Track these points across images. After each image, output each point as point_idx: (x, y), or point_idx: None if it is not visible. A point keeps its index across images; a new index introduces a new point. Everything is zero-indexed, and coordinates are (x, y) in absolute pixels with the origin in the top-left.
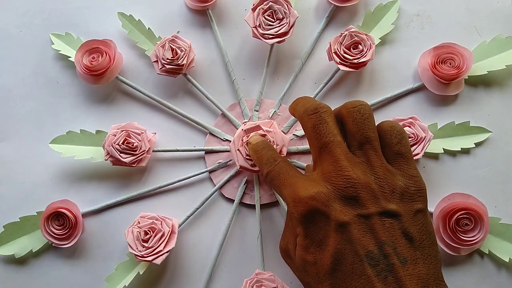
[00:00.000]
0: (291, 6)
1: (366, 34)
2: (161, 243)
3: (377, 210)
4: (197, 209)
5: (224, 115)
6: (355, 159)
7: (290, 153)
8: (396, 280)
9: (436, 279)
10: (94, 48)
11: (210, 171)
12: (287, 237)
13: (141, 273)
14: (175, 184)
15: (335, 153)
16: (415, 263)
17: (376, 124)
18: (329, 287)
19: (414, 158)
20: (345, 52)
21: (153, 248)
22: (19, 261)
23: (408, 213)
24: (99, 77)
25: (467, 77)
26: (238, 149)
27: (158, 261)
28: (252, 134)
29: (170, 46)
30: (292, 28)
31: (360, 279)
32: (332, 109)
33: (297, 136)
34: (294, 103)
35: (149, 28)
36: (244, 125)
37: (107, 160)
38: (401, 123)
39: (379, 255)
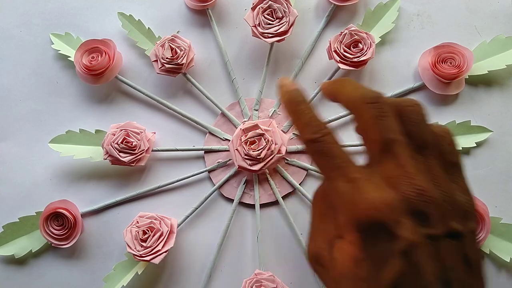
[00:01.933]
0: (291, 5)
1: (366, 33)
2: (159, 243)
3: (444, 230)
4: (196, 208)
5: (223, 115)
6: (420, 166)
7: (289, 153)
8: None
9: None
10: (93, 47)
11: (210, 171)
12: (319, 240)
13: (139, 273)
14: (174, 184)
15: (401, 155)
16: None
17: None
18: None
19: None
20: (345, 51)
21: (152, 247)
22: (18, 262)
23: (468, 234)
24: (98, 77)
25: (467, 77)
26: (236, 149)
27: (157, 260)
28: (282, 78)
29: (170, 46)
30: (292, 27)
31: None
32: None
33: (297, 135)
34: (336, 84)
35: (149, 28)
36: (243, 124)
37: (106, 159)
38: None
39: (443, 284)
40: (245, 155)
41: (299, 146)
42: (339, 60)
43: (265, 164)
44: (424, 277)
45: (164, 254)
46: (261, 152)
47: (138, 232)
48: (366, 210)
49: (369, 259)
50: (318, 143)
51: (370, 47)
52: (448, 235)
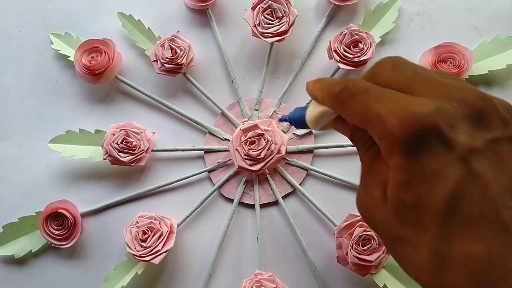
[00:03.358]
0: (291, 5)
1: (366, 33)
2: (159, 243)
3: (509, 134)
4: (196, 208)
5: (223, 115)
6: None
7: (289, 153)
8: None
9: None
10: (93, 47)
11: (209, 171)
12: (370, 184)
13: (139, 273)
14: (174, 184)
15: (437, 77)
16: None
17: None
18: (438, 237)
19: None
20: (345, 51)
21: (151, 247)
22: (18, 262)
23: None
24: (98, 77)
25: (467, 77)
26: (236, 149)
27: (156, 261)
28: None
29: (170, 46)
30: (292, 27)
31: (492, 226)
32: None
33: (296, 135)
34: (312, 84)
35: (148, 27)
36: (243, 124)
37: (105, 159)
38: None
39: None
40: (245, 155)
41: (299, 146)
42: (339, 60)
43: (265, 164)
44: (489, 188)
45: (164, 254)
46: (260, 152)
47: (138, 232)
48: (417, 119)
49: (419, 179)
50: (355, 86)
51: (370, 47)
52: None
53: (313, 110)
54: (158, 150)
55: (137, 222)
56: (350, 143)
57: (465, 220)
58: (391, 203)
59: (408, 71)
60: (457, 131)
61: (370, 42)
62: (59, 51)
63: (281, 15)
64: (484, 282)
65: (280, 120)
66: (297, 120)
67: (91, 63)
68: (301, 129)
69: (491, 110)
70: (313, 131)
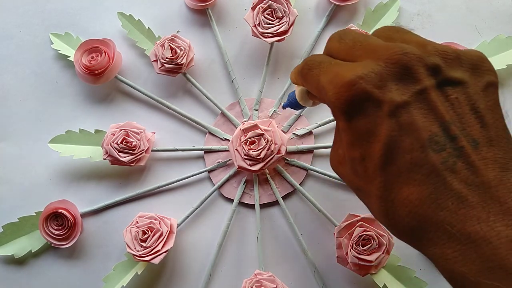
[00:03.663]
0: (291, 5)
1: (366, 33)
2: (159, 243)
3: (438, 80)
4: (196, 208)
5: (223, 115)
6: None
7: (289, 153)
8: (468, 166)
9: None
10: (93, 47)
11: (209, 171)
12: (336, 144)
13: (139, 273)
14: (174, 184)
15: (374, 41)
16: (489, 145)
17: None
18: (381, 185)
19: None
20: None
21: (151, 248)
22: (18, 262)
23: (476, 84)
24: (98, 77)
25: None
26: (236, 149)
27: (156, 261)
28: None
29: (170, 45)
30: (292, 27)
31: (422, 170)
32: None
33: (296, 135)
34: (293, 71)
35: (148, 27)
36: (243, 124)
37: (105, 159)
38: None
39: (445, 138)
40: (245, 155)
41: (299, 146)
42: None
43: (265, 164)
44: (417, 137)
45: (164, 254)
46: (260, 152)
47: (137, 232)
48: (348, 86)
49: (360, 137)
50: (310, 61)
51: None
52: (446, 83)
53: (296, 90)
54: (158, 150)
55: (137, 222)
56: None
57: (400, 168)
58: (346, 159)
59: (350, 40)
60: (385, 89)
61: None
62: (59, 51)
63: (281, 15)
64: (421, 218)
65: (283, 107)
66: (293, 102)
67: (91, 63)
68: (300, 109)
69: (415, 63)
70: (313, 131)
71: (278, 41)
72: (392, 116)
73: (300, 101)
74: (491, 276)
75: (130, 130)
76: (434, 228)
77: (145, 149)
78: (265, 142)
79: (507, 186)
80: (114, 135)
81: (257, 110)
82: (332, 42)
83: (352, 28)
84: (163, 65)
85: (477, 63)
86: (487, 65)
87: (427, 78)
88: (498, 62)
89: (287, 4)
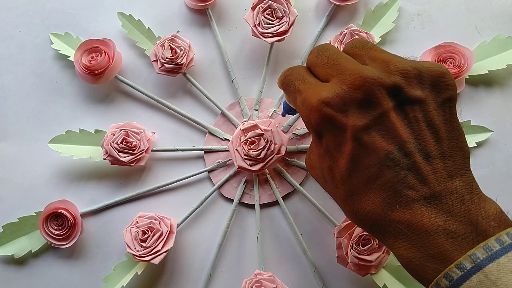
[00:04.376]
0: (291, 5)
1: (366, 33)
2: (159, 243)
3: (398, 100)
4: (196, 208)
5: (223, 115)
6: (353, 61)
7: (289, 153)
8: (418, 177)
9: (462, 169)
10: (93, 47)
11: (209, 171)
12: (310, 151)
13: (139, 273)
14: (174, 184)
15: (343, 61)
16: (441, 157)
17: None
18: (345, 192)
19: None
20: None
21: (151, 248)
22: (18, 262)
23: (435, 99)
24: (98, 77)
25: (467, 77)
26: (236, 149)
27: (156, 261)
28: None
29: (170, 45)
30: (292, 27)
31: (378, 182)
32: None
33: (297, 135)
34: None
35: (148, 27)
36: (243, 124)
37: (105, 159)
38: None
39: (400, 155)
40: (245, 155)
41: (299, 146)
42: None
43: (264, 164)
44: (375, 155)
45: (164, 254)
46: (260, 152)
47: (137, 232)
48: (316, 110)
49: (329, 152)
50: (287, 77)
51: None
52: (406, 103)
53: (285, 97)
54: (158, 150)
55: (137, 222)
56: None
57: (360, 180)
58: (317, 166)
59: (325, 57)
60: (348, 114)
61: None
62: (59, 51)
63: (281, 15)
64: (377, 217)
65: (282, 115)
66: (287, 108)
67: (91, 63)
68: (297, 113)
69: (376, 88)
70: None
71: (278, 41)
72: (355, 138)
73: (294, 106)
74: (433, 260)
75: (130, 130)
76: (387, 225)
77: (145, 149)
78: (265, 142)
79: (450, 190)
80: (114, 135)
81: (257, 110)
82: (312, 56)
83: (329, 44)
84: (163, 65)
85: (437, 80)
86: (447, 80)
87: (387, 101)
88: (498, 62)
89: (287, 4)
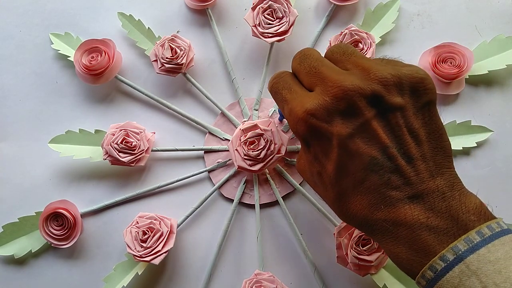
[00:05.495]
0: (291, 5)
1: (366, 33)
2: (159, 243)
3: (379, 109)
4: (196, 209)
5: (223, 114)
6: (340, 69)
7: (290, 153)
8: (401, 179)
9: (443, 167)
10: (93, 47)
11: (209, 171)
12: (299, 155)
13: (139, 274)
14: (174, 184)
15: (325, 69)
16: (422, 158)
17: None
18: (334, 195)
19: None
20: None
21: (152, 248)
22: (18, 262)
23: (415, 105)
24: (98, 77)
25: (467, 77)
26: (236, 149)
27: (157, 261)
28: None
29: (170, 45)
30: (292, 27)
31: (364, 185)
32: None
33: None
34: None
35: (148, 28)
36: (243, 124)
37: (105, 159)
38: None
39: (383, 159)
40: (245, 155)
41: (299, 146)
42: None
43: (264, 164)
44: (360, 160)
45: (164, 254)
46: (260, 152)
47: (138, 233)
48: (303, 121)
49: (317, 159)
50: (275, 85)
51: (370, 47)
52: (387, 111)
53: None
54: (158, 150)
55: (137, 222)
56: None
57: (348, 184)
58: (307, 171)
59: (307, 66)
60: (332, 124)
61: (370, 42)
62: (59, 51)
63: (281, 15)
64: (364, 217)
65: (280, 120)
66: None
67: (91, 63)
68: None
69: (357, 98)
70: None
71: (278, 41)
72: (340, 146)
73: (282, 113)
74: (417, 254)
75: (130, 130)
76: (374, 223)
77: (145, 149)
78: (265, 142)
79: (432, 189)
80: (114, 135)
81: (257, 110)
82: (295, 63)
83: (311, 50)
84: (163, 65)
85: (416, 85)
86: (425, 85)
87: (368, 110)
88: (498, 62)
89: (287, 4)
